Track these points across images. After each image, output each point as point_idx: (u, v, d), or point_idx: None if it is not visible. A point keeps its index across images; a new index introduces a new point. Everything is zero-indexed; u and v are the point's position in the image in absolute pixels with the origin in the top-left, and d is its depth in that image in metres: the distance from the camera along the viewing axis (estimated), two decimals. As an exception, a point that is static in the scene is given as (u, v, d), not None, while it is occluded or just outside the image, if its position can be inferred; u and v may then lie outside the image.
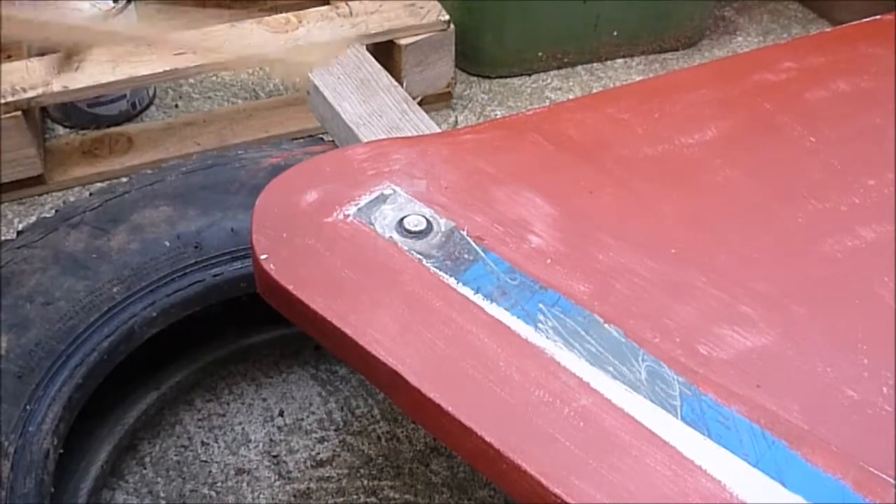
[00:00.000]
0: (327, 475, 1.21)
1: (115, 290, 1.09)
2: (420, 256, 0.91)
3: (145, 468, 1.21)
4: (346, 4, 1.65)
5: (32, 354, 1.02)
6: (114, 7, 1.67)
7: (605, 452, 0.76)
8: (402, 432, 1.26)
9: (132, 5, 1.70)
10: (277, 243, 0.91)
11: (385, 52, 1.62)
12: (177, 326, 1.15)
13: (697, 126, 1.12)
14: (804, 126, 1.13)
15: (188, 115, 1.76)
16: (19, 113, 1.48)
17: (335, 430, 1.26)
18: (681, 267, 0.93)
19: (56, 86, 1.48)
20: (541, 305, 0.87)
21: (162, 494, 1.18)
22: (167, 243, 1.14)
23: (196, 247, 1.14)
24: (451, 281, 0.89)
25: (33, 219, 1.50)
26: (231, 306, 1.18)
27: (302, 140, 1.51)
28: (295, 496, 1.19)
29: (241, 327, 1.29)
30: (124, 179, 1.25)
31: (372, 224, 0.94)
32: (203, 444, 1.24)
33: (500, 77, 1.88)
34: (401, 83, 1.57)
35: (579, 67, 1.92)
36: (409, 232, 0.93)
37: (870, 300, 0.92)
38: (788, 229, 1.00)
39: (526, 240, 0.94)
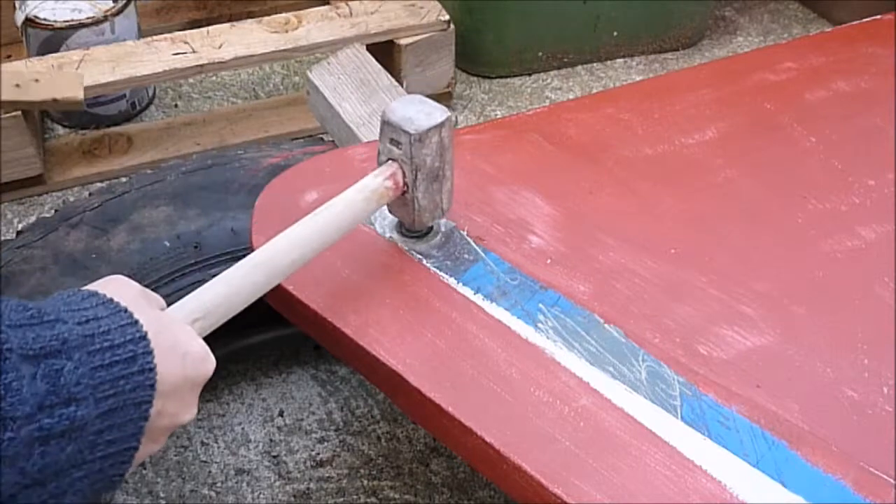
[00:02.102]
0: (327, 475, 1.21)
1: (114, 290, 1.09)
2: (420, 256, 0.91)
3: (145, 468, 1.21)
4: (346, 4, 1.65)
5: (32, 354, 1.02)
6: (114, 6, 1.67)
7: (605, 452, 0.76)
8: (402, 432, 1.26)
9: (132, 5, 1.70)
10: (277, 243, 0.91)
11: (385, 52, 1.62)
12: (177, 326, 1.15)
13: (697, 126, 1.12)
14: (804, 126, 1.13)
15: (188, 115, 1.76)
16: (19, 113, 1.48)
17: (335, 430, 1.26)
18: (681, 267, 0.93)
19: (56, 86, 1.48)
20: (541, 305, 0.87)
21: (162, 494, 1.18)
22: (167, 243, 1.14)
23: (196, 247, 1.14)
24: (451, 281, 0.89)
25: (33, 219, 1.50)
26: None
27: (302, 140, 1.51)
28: (295, 496, 1.19)
29: (241, 327, 1.29)
30: (124, 179, 1.25)
31: (372, 224, 0.94)
32: (203, 444, 1.24)
33: (500, 77, 1.88)
34: (401, 83, 1.57)
35: (579, 67, 1.92)
36: (409, 232, 0.93)
37: (870, 300, 0.92)
38: (788, 229, 1.00)
39: (526, 240, 0.94)
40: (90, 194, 1.23)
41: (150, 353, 0.60)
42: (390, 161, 0.87)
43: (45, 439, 0.54)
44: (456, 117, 1.78)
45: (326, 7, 1.67)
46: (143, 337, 0.60)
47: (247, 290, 0.75)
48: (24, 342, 0.54)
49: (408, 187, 0.87)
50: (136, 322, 0.60)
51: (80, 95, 1.45)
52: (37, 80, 1.44)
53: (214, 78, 1.85)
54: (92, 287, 0.64)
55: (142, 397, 0.60)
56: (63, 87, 1.45)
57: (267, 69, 1.87)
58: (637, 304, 0.89)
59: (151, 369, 0.60)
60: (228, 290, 0.73)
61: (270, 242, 0.78)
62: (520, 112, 1.17)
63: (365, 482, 1.20)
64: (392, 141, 0.86)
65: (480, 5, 1.81)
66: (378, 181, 0.85)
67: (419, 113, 0.85)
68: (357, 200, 0.83)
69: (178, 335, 0.65)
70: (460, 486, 1.20)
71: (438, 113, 0.86)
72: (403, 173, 0.86)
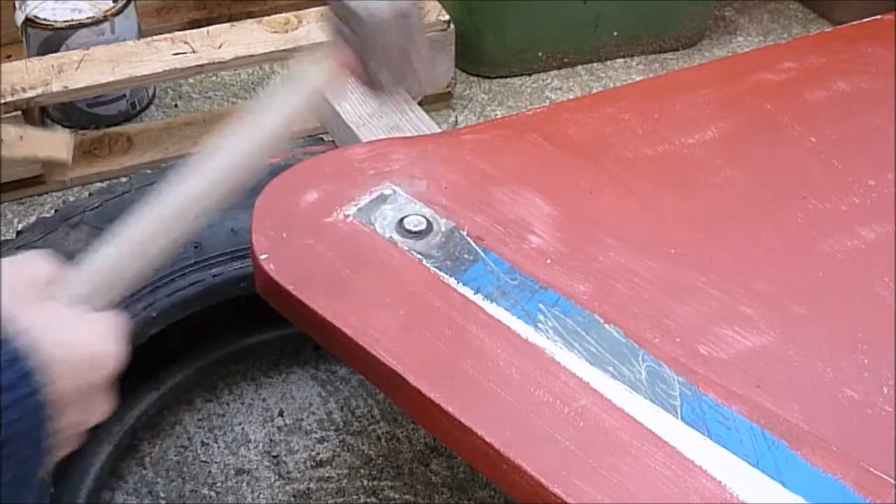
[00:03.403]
0: (327, 475, 1.21)
1: (114, 290, 1.09)
2: (420, 256, 0.91)
3: (145, 468, 1.21)
4: (346, 4, 1.65)
5: (32, 354, 1.02)
6: (114, 6, 1.67)
7: (605, 452, 0.76)
8: (402, 432, 1.26)
9: (132, 5, 1.70)
10: (277, 243, 0.91)
11: (385, 52, 1.62)
12: (177, 326, 1.15)
13: (697, 126, 1.12)
14: (804, 126, 1.13)
15: (188, 114, 1.76)
16: (19, 113, 1.48)
17: (335, 430, 1.26)
18: (681, 267, 0.93)
19: (56, 86, 1.48)
20: (541, 305, 0.87)
21: (162, 495, 1.18)
22: (167, 243, 1.13)
23: (196, 247, 1.14)
24: (451, 281, 0.89)
25: (33, 219, 1.50)
26: (231, 306, 1.18)
27: (302, 140, 1.51)
28: (295, 496, 1.19)
29: (241, 327, 1.29)
30: (124, 179, 1.25)
31: (372, 224, 0.94)
32: (203, 444, 1.24)
33: (500, 77, 1.88)
34: (401, 83, 1.57)
35: (579, 67, 1.92)
36: (409, 232, 0.93)
37: (870, 300, 0.92)
38: (788, 229, 1.00)
39: (526, 240, 0.94)
40: (90, 194, 1.23)
41: (39, 370, 0.54)
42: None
43: None
44: (456, 117, 1.78)
45: (326, 7, 1.67)
46: (27, 356, 0.54)
47: (158, 241, 0.67)
48: None
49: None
50: (22, 347, 0.54)
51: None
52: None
53: (214, 78, 1.85)
54: None
55: (39, 418, 0.55)
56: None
57: (267, 69, 1.87)
58: (637, 304, 0.89)
59: (39, 391, 0.54)
60: (135, 249, 0.66)
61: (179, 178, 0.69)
62: (520, 112, 1.17)
63: (365, 482, 1.20)
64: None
65: (480, 5, 1.81)
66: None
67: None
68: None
69: (75, 337, 0.59)
70: (460, 486, 1.20)
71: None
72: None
